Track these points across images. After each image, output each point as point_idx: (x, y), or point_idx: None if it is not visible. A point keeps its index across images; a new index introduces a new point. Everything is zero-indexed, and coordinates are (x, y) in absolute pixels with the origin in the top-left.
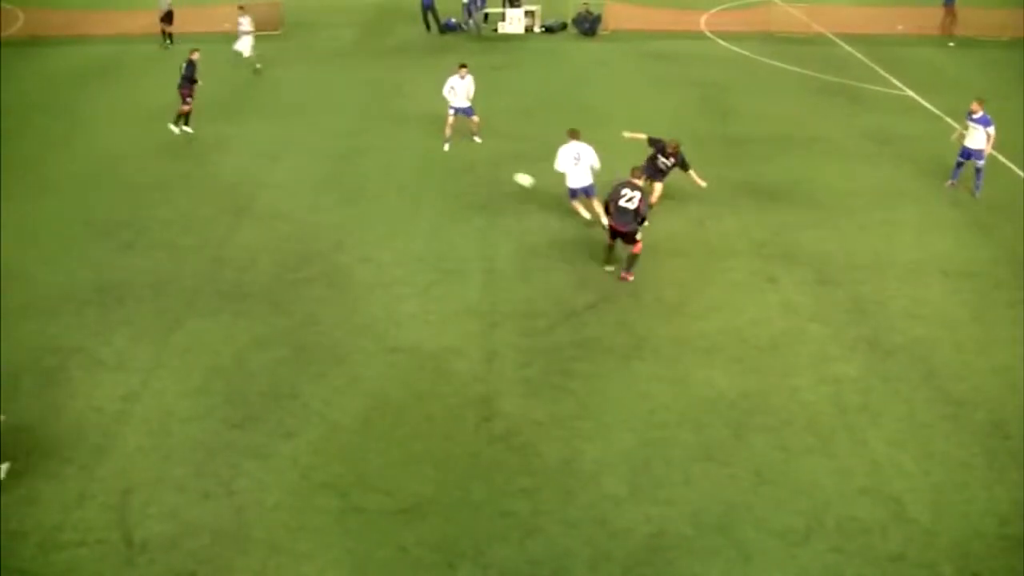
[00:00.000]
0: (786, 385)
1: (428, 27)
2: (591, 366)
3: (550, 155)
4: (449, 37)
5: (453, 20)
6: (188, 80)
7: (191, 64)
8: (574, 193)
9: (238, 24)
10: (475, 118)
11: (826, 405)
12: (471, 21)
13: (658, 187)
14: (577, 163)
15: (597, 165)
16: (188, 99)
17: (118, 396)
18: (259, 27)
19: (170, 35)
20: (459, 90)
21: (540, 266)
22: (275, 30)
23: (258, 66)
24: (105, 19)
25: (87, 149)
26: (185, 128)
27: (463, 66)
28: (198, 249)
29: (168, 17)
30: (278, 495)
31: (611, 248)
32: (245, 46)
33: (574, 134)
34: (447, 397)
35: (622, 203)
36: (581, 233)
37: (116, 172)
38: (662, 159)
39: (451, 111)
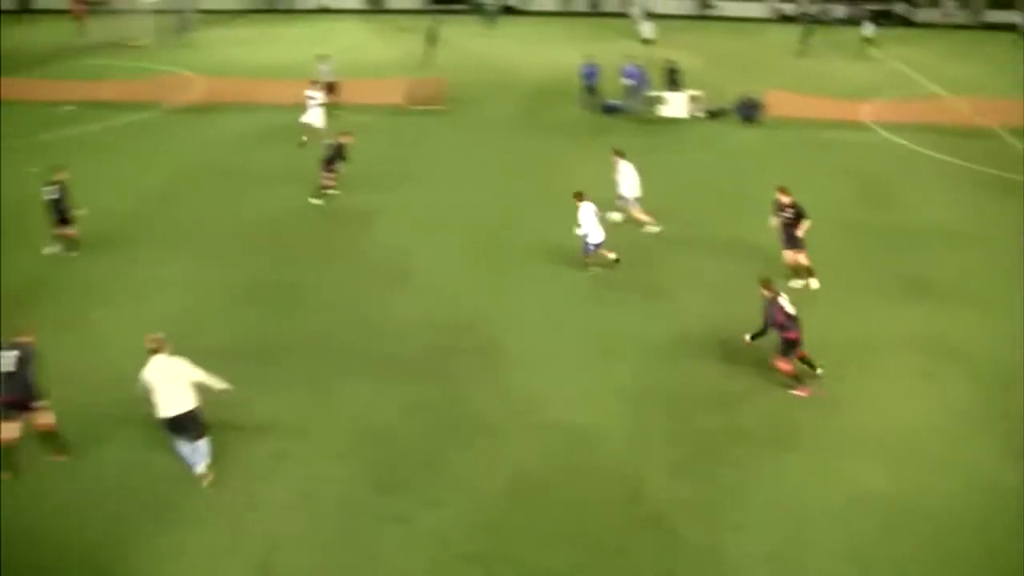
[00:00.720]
0: (941, 487)
1: (589, 107)
2: (741, 454)
3: (706, 240)
4: (610, 118)
5: (615, 101)
6: (332, 159)
7: (339, 147)
8: (597, 246)
9: (311, 96)
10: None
11: (982, 511)
12: (633, 103)
13: (801, 257)
14: (599, 220)
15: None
16: (329, 176)
17: (269, 453)
18: (423, 102)
19: (334, 104)
20: (628, 176)
21: (694, 351)
22: (439, 105)
23: (307, 139)
24: (273, 88)
25: (252, 211)
26: (316, 200)
27: (619, 153)
28: (353, 315)
29: (331, 88)
30: (420, 563)
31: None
32: (316, 118)
33: (580, 196)
34: (594, 475)
35: (790, 311)
36: (738, 321)
37: (278, 235)
38: (784, 215)
39: (626, 199)
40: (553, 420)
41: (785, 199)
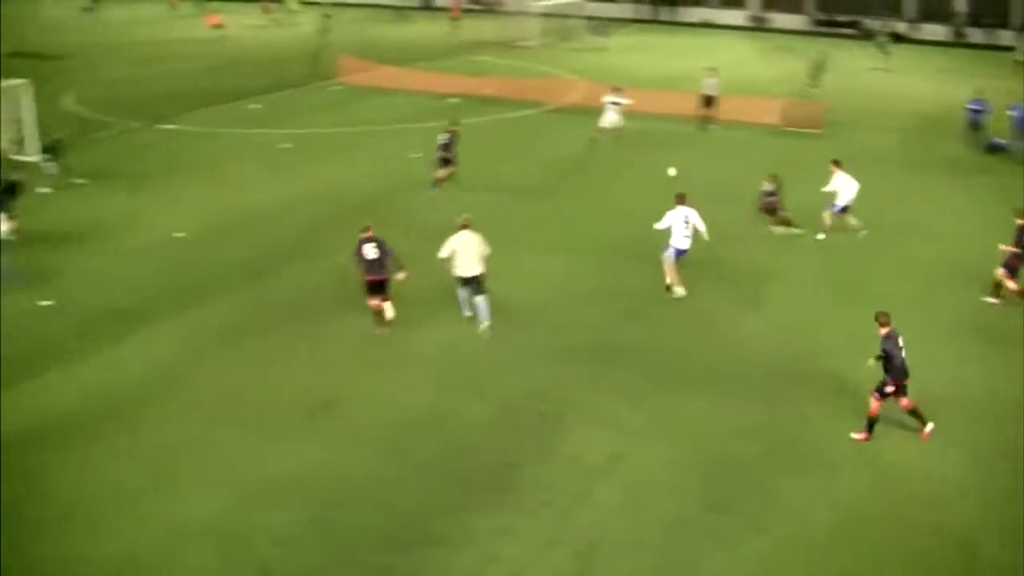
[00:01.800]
0: None
1: (973, 145)
2: None
3: None
4: (993, 158)
5: (1002, 140)
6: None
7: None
8: (680, 254)
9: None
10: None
11: None
12: (1020, 144)
13: None
14: (687, 226)
15: (702, 227)
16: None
17: (604, 453)
18: (800, 124)
19: (710, 120)
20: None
21: None
22: (816, 129)
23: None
24: (654, 97)
25: (619, 214)
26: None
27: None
28: (705, 329)
29: (709, 102)
30: None
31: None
32: (612, 121)
33: (681, 199)
34: (926, 530)
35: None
36: None
37: (642, 242)
38: None
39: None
40: (894, 461)
41: None
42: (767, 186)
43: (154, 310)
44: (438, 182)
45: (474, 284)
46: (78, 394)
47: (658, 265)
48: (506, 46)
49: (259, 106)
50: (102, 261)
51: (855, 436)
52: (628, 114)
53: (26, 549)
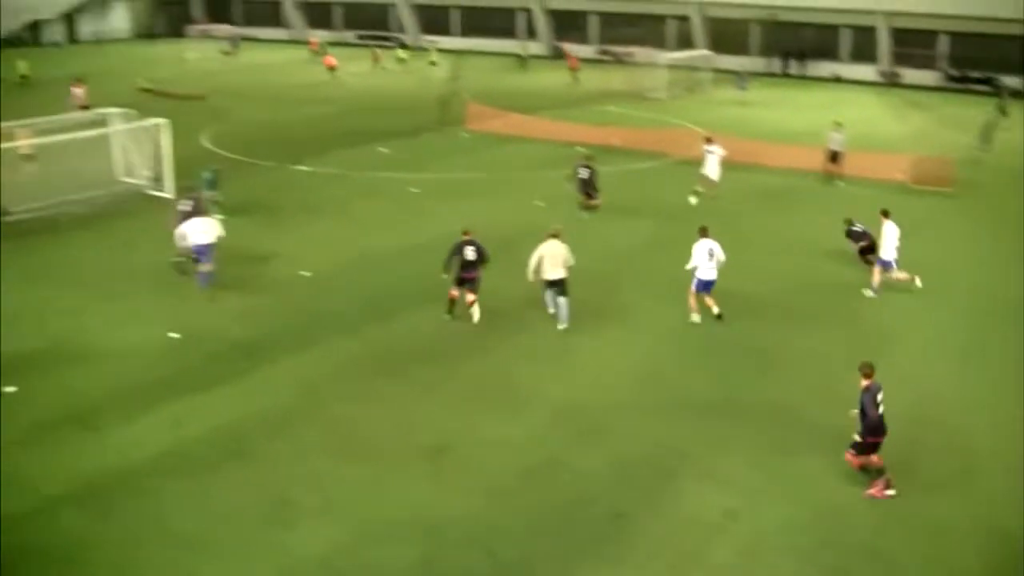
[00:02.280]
0: None
1: None
2: None
3: None
4: None
5: None
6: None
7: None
8: (705, 286)
9: (710, 150)
10: None
11: None
12: None
13: None
14: (711, 258)
15: (723, 258)
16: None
17: (719, 509)
18: (930, 183)
19: (836, 175)
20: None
21: None
22: (945, 187)
23: (703, 191)
24: (777, 152)
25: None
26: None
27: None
28: (826, 386)
29: (835, 157)
30: None
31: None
32: (713, 171)
33: (704, 232)
34: None
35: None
36: None
37: (761, 297)
38: None
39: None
40: None
41: None
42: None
43: (279, 346)
44: (589, 208)
45: (559, 287)
46: (203, 426)
47: (776, 320)
48: (634, 97)
49: (388, 150)
50: (230, 296)
51: (868, 492)
52: (753, 168)
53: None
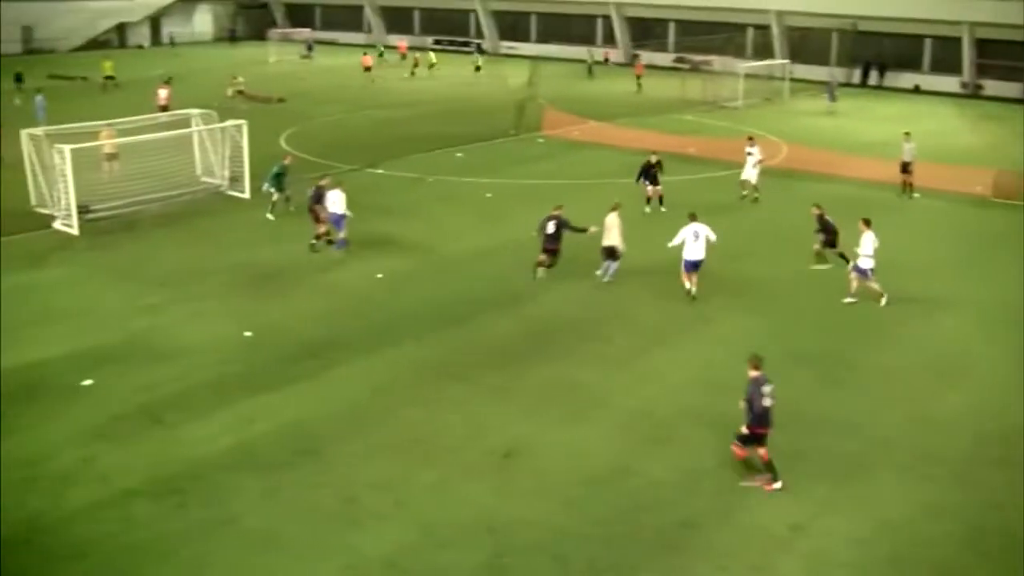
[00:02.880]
0: None
1: None
2: None
3: None
4: None
5: None
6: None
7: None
8: (693, 266)
9: (750, 152)
10: None
11: None
12: None
13: None
14: (696, 239)
15: (713, 238)
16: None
17: (786, 522)
18: (1012, 196)
19: (909, 185)
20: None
21: None
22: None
23: (747, 194)
24: (853, 163)
25: (812, 279)
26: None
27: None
28: (903, 403)
29: (905, 167)
30: None
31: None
32: (749, 172)
33: (693, 217)
34: None
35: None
36: None
37: (833, 309)
38: None
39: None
40: None
41: None
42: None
43: (351, 347)
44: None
45: (614, 252)
46: (274, 423)
47: (849, 333)
48: (711, 105)
49: (462, 155)
50: (304, 296)
51: (744, 484)
52: (829, 178)
53: (213, 571)
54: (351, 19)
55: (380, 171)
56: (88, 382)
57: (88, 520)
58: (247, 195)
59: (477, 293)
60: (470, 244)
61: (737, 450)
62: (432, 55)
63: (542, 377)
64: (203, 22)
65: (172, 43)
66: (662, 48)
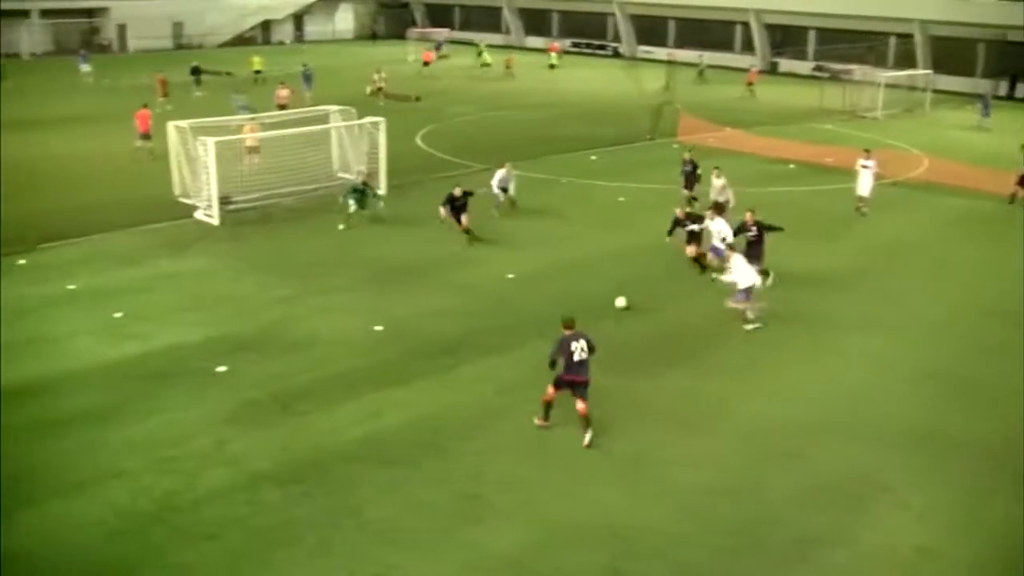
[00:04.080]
0: None
1: None
2: None
3: None
4: None
5: None
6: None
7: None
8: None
9: (865, 165)
10: None
11: None
12: None
13: None
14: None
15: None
16: None
17: (912, 545)
18: None
19: (1015, 196)
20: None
21: None
22: None
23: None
24: (994, 177)
25: (949, 297)
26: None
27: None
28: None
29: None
30: None
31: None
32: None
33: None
34: None
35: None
36: None
37: (975, 325)
38: None
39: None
40: None
41: None
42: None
43: (479, 345)
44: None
45: (721, 209)
46: (401, 417)
47: (989, 351)
48: (850, 115)
49: (596, 157)
50: (433, 292)
51: (536, 421)
52: (964, 192)
53: (336, 559)
54: (489, 20)
55: (516, 171)
56: (223, 368)
57: (219, 502)
58: (382, 191)
59: (605, 297)
60: (600, 247)
61: (550, 390)
62: (486, 53)
63: (669, 384)
64: (344, 20)
65: (297, 41)
66: (801, 56)
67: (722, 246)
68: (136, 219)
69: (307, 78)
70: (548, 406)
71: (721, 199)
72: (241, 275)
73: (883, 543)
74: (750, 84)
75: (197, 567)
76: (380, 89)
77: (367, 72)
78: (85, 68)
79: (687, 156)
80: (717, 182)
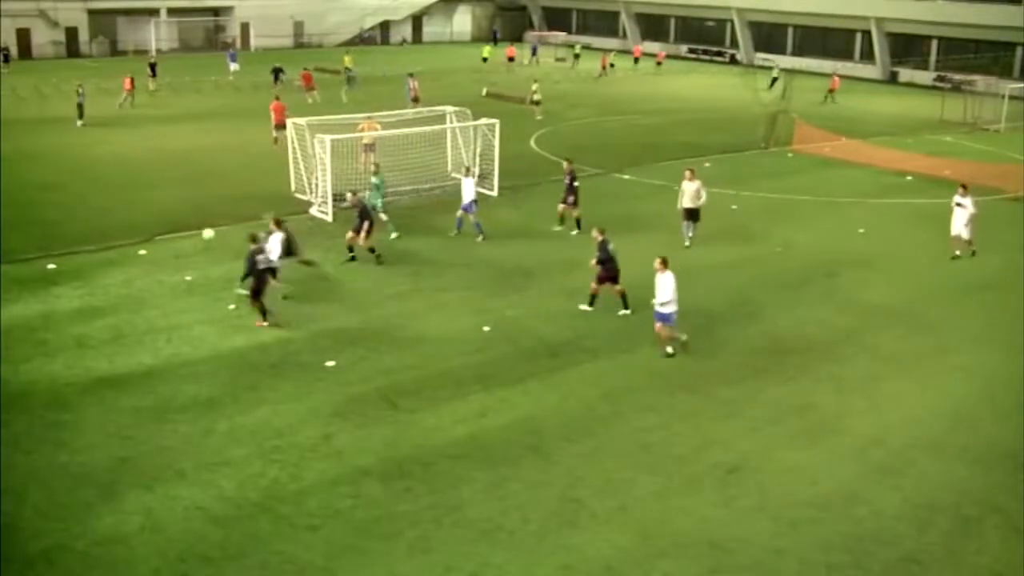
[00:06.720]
0: None
1: None
2: None
3: None
4: None
5: None
6: None
7: None
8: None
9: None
10: None
11: None
12: None
13: None
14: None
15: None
16: None
17: (1022, 568)
18: None
19: None
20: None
21: None
22: None
23: (960, 253)
24: None
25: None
26: None
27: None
28: None
29: None
30: None
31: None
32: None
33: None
34: None
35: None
36: None
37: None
38: None
39: None
40: None
41: None
42: None
43: (585, 349)
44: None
45: (694, 215)
46: (504, 418)
47: None
48: (972, 127)
49: (710, 164)
50: (543, 295)
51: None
52: None
53: (435, 555)
54: (607, 24)
55: (627, 176)
56: (331, 363)
57: (322, 494)
58: (495, 192)
59: (715, 305)
60: (712, 256)
61: (594, 285)
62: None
63: (774, 395)
64: (462, 22)
65: (414, 42)
66: (923, 66)
67: None
68: (253, 213)
69: (350, 80)
70: (593, 297)
71: (694, 204)
72: (354, 271)
73: (991, 566)
74: (831, 91)
75: (298, 557)
76: (537, 103)
77: (483, 75)
78: (234, 67)
79: (567, 166)
80: (690, 186)
